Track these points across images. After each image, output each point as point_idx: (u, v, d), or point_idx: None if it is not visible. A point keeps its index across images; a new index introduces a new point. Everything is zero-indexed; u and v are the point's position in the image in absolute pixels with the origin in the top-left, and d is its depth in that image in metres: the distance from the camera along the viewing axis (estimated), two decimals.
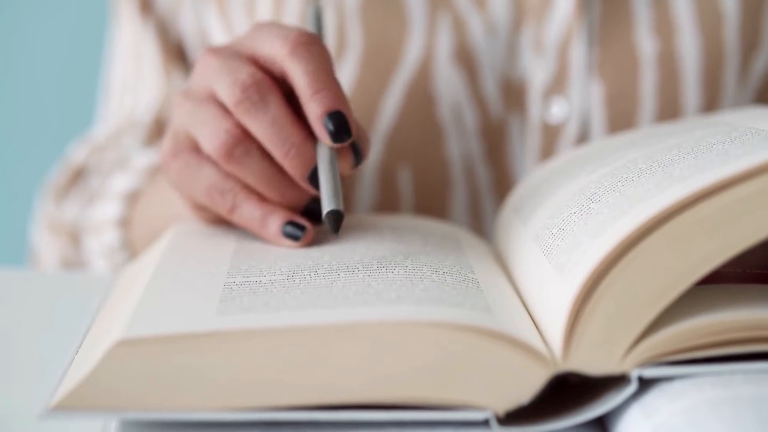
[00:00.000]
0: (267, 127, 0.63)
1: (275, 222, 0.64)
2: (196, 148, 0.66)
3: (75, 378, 0.51)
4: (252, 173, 0.64)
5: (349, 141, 0.63)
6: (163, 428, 0.51)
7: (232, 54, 0.65)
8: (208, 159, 0.65)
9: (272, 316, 0.52)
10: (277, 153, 0.63)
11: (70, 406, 0.50)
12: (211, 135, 0.64)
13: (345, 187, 0.86)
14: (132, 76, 0.95)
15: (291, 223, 0.64)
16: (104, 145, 0.94)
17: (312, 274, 0.57)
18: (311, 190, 0.64)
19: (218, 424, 0.51)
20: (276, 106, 0.63)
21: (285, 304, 0.53)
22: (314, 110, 0.63)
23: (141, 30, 0.93)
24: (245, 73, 0.63)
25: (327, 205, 0.60)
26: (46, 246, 0.94)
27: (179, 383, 0.50)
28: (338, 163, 0.63)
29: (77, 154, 0.95)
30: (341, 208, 0.60)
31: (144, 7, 0.93)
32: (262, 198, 0.65)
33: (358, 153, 0.65)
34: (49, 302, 0.73)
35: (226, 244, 0.64)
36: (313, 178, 0.63)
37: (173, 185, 0.67)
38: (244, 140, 0.63)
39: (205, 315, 0.52)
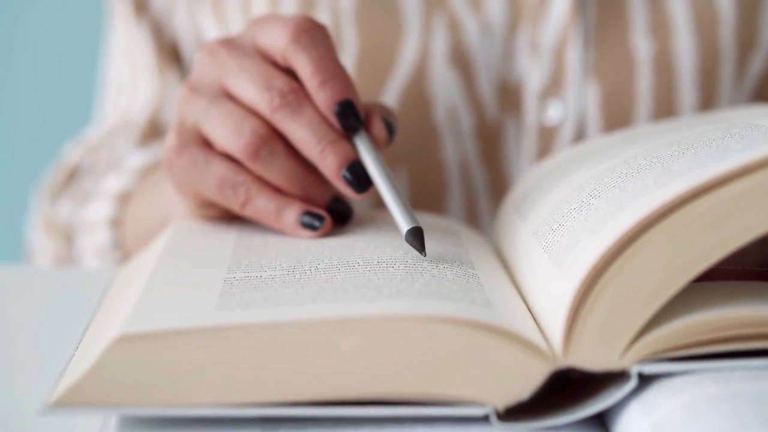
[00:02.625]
0: (303, 128, 0.63)
1: (292, 213, 0.64)
2: (203, 143, 0.65)
3: (75, 374, 0.50)
4: (277, 172, 0.64)
5: (358, 126, 0.64)
6: (162, 424, 0.51)
7: (244, 52, 0.65)
8: (217, 153, 0.65)
9: (272, 311, 0.52)
10: (312, 152, 0.63)
11: (70, 402, 0.50)
12: (234, 134, 0.63)
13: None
14: (127, 76, 0.95)
15: (308, 213, 0.64)
16: (98, 146, 0.94)
17: (312, 269, 0.57)
18: (342, 187, 0.63)
19: (218, 420, 0.51)
20: (310, 109, 0.63)
21: (285, 299, 0.53)
22: (323, 101, 0.63)
23: (135, 31, 0.93)
24: (280, 80, 0.64)
25: (404, 225, 0.59)
26: (41, 245, 0.94)
27: (179, 378, 0.50)
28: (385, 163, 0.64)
29: (72, 154, 0.95)
30: (418, 223, 0.59)
31: (138, 8, 0.93)
32: (276, 190, 0.65)
33: (391, 129, 0.66)
34: (48, 298, 0.73)
35: (226, 240, 0.64)
36: (349, 177, 0.63)
37: (177, 182, 0.67)
38: (270, 139, 0.63)
39: (205, 310, 0.52)
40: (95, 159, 0.93)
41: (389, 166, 0.86)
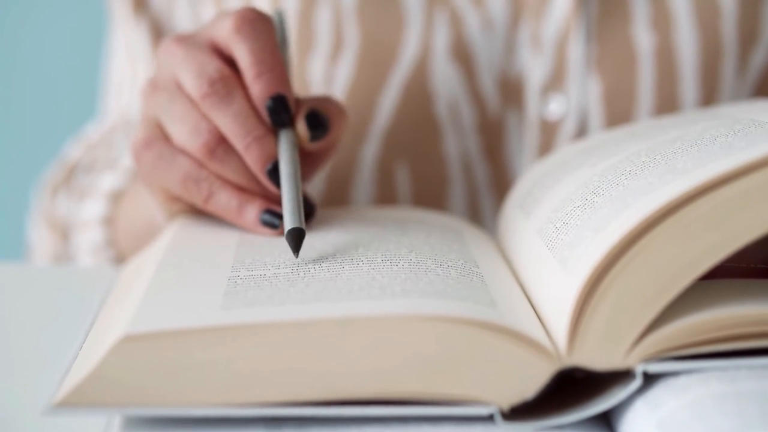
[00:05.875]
0: (230, 120, 0.63)
1: (253, 210, 0.64)
2: (168, 138, 0.66)
3: (79, 374, 0.50)
4: (233, 170, 0.64)
5: (288, 121, 0.64)
6: (166, 424, 0.51)
7: (194, 43, 0.66)
8: (181, 148, 0.65)
9: (276, 309, 0.51)
10: (238, 145, 0.64)
11: (75, 402, 0.50)
12: (191, 133, 0.64)
13: (340, 185, 0.86)
14: (128, 74, 0.95)
15: (269, 211, 0.64)
16: (98, 143, 0.94)
17: (316, 267, 0.57)
18: (269, 186, 0.64)
19: (222, 420, 0.51)
20: (240, 99, 0.64)
21: (289, 298, 0.53)
22: (257, 94, 0.64)
23: (135, 29, 0.93)
24: (212, 67, 0.64)
25: (288, 223, 0.60)
26: (40, 241, 0.94)
27: (184, 378, 0.50)
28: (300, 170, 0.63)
29: (72, 151, 0.95)
30: (303, 225, 0.59)
31: (138, 7, 0.93)
32: (238, 187, 0.65)
33: (319, 126, 0.65)
34: (51, 297, 0.73)
35: (229, 238, 0.64)
36: (273, 174, 0.63)
37: (144, 176, 0.67)
38: (226, 139, 0.64)
39: (209, 309, 0.52)
40: (94, 157, 0.93)
41: (392, 161, 0.87)
